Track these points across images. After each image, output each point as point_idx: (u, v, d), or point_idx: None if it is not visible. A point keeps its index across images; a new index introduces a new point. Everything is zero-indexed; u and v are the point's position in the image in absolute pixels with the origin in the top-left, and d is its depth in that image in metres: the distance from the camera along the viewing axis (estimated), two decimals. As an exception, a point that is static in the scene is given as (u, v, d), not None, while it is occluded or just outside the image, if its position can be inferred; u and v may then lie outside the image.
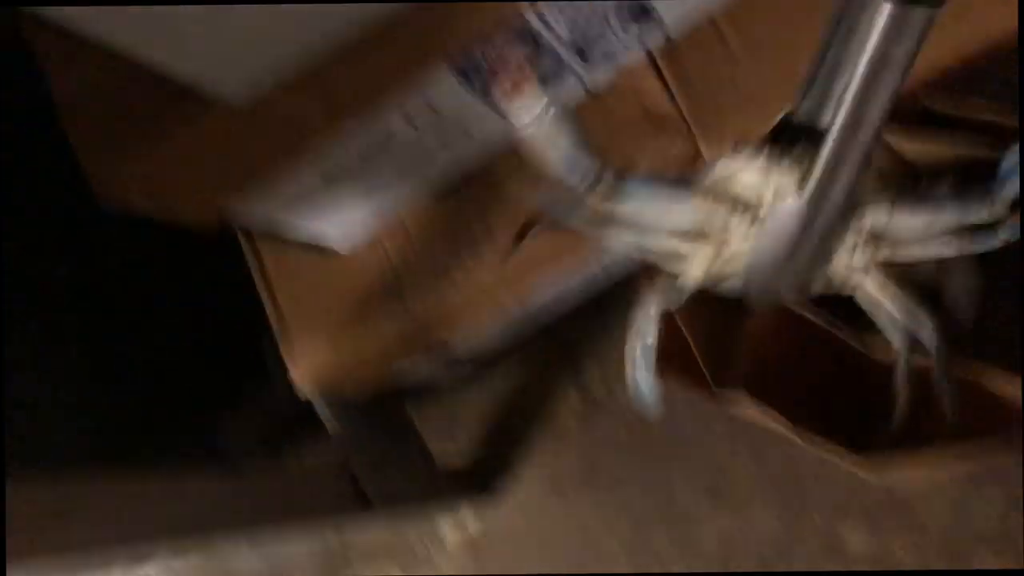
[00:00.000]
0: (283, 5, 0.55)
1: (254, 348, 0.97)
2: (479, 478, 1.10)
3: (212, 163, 0.65)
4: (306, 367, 0.81)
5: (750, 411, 0.64)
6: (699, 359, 0.65)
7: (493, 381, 1.12)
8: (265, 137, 0.64)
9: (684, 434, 0.99)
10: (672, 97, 0.71)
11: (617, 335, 1.05)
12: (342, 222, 0.78)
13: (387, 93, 0.64)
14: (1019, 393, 0.55)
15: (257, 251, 0.83)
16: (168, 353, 1.07)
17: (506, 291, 0.79)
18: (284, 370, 0.83)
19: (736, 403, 0.65)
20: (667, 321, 0.65)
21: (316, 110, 0.63)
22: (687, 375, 0.66)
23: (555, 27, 0.63)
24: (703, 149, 0.69)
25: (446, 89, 0.66)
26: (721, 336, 0.68)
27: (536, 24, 0.63)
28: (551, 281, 0.81)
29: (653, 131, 0.71)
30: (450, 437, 1.13)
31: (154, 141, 0.63)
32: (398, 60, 0.62)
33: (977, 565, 0.81)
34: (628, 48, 0.68)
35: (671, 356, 0.67)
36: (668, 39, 0.69)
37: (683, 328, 0.65)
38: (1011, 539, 0.80)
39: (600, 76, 0.70)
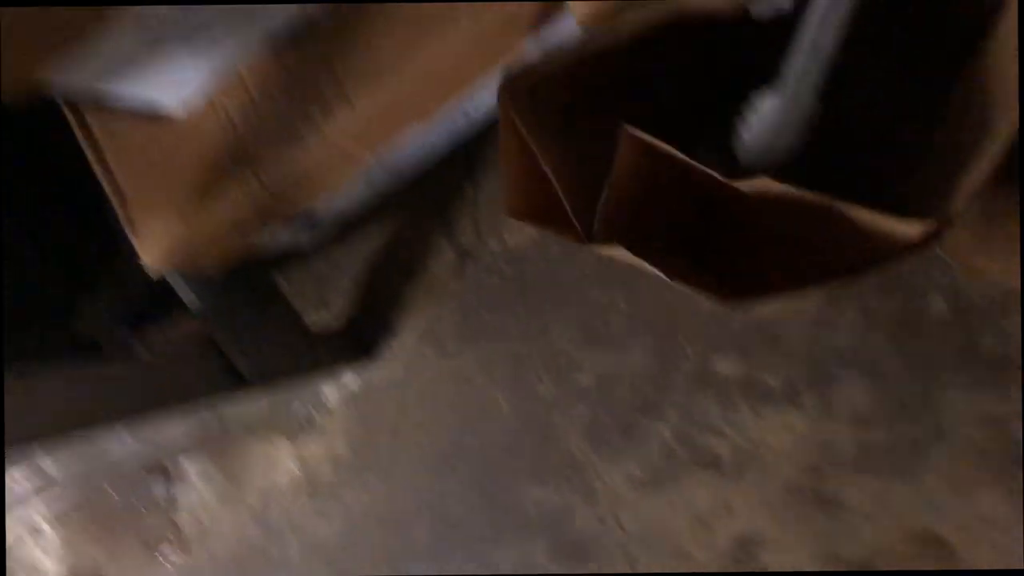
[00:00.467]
0: None
1: (105, 227, 0.90)
2: (357, 339, 1.08)
3: (19, 28, 0.57)
4: (154, 243, 0.75)
5: (621, 255, 0.63)
6: (569, 210, 0.63)
7: (363, 241, 1.09)
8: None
9: (558, 279, 0.99)
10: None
11: (485, 185, 1.02)
12: (173, 84, 0.71)
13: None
14: (876, 223, 0.56)
15: (85, 124, 0.75)
16: (15, 239, 0.98)
17: (362, 147, 0.74)
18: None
19: (606, 249, 0.64)
20: (535, 173, 0.63)
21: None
22: (559, 224, 0.64)
23: None
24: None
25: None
26: (587, 182, 0.66)
27: None
28: (410, 133, 0.77)
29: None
30: (323, 302, 1.10)
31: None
32: None
33: (841, 384, 0.86)
34: None
35: (541, 207, 0.65)
36: None
37: (552, 178, 0.63)
38: (870, 355, 0.84)
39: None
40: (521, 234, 1.00)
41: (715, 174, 0.58)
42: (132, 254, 0.78)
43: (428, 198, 1.04)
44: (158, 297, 0.99)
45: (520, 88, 0.63)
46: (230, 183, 0.74)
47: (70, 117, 0.74)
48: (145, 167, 0.76)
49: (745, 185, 0.59)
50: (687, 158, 0.59)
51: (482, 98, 0.79)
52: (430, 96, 0.72)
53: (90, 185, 0.79)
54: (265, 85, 0.73)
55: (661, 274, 0.60)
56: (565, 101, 0.66)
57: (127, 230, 0.75)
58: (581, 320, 0.97)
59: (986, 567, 0.79)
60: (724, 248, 0.67)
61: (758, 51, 0.62)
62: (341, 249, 1.08)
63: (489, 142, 0.96)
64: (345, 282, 1.09)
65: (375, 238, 1.07)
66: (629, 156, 0.62)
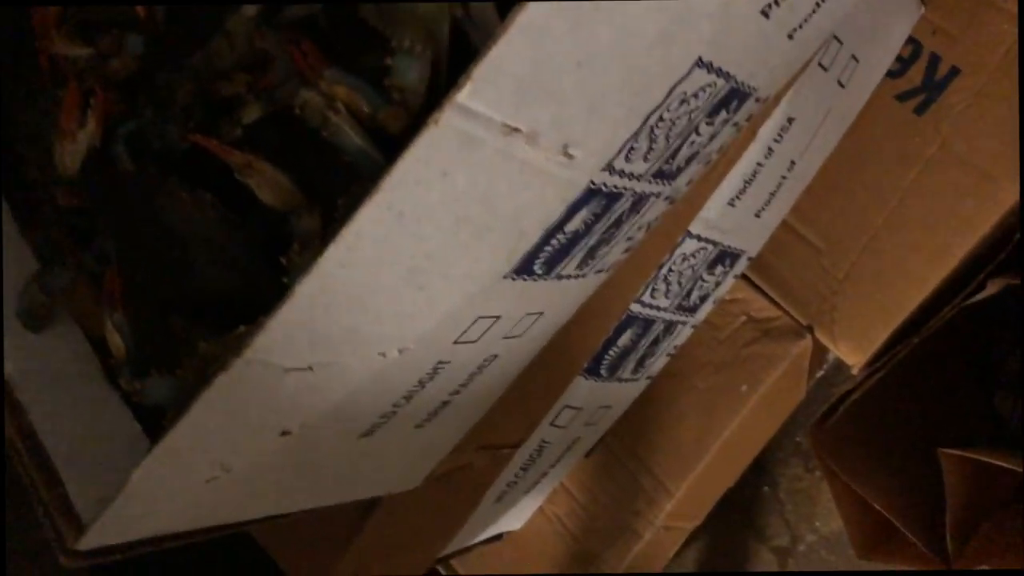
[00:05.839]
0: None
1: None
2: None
3: (411, 538, 0.69)
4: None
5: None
6: (920, 543, 0.66)
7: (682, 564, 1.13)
8: (449, 498, 0.68)
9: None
10: (774, 301, 0.74)
11: (782, 481, 1.06)
12: (517, 515, 0.82)
13: (537, 420, 0.68)
14: None
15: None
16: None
17: (692, 520, 0.81)
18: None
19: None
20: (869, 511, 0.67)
21: (481, 460, 0.67)
22: (910, 557, 0.68)
23: (658, 303, 0.68)
24: (825, 342, 0.72)
25: (580, 388, 0.70)
26: (919, 504, 0.69)
27: (641, 309, 0.67)
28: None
29: (764, 336, 0.75)
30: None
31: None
32: (543, 389, 0.65)
33: None
34: (722, 284, 0.72)
35: (887, 540, 0.69)
36: (750, 259, 0.73)
37: (887, 514, 0.67)
38: None
39: (703, 315, 0.74)
40: (836, 520, 1.02)
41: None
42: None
43: (736, 507, 1.08)
44: None
45: (829, 434, 0.69)
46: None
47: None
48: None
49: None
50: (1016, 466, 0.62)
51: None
52: (736, 462, 0.80)
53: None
54: (585, 489, 0.83)
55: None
56: (869, 431, 0.71)
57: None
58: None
59: None
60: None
61: None
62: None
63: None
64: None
65: (690, 558, 1.12)
66: (956, 476, 0.65)
